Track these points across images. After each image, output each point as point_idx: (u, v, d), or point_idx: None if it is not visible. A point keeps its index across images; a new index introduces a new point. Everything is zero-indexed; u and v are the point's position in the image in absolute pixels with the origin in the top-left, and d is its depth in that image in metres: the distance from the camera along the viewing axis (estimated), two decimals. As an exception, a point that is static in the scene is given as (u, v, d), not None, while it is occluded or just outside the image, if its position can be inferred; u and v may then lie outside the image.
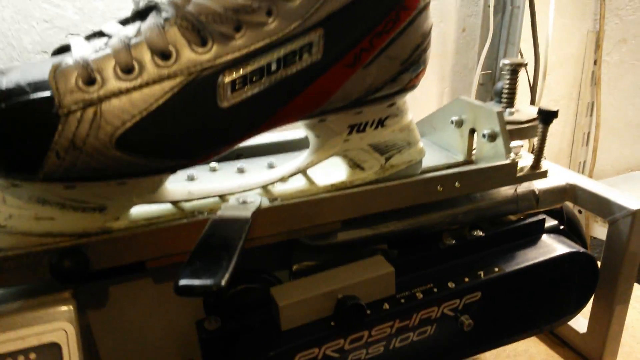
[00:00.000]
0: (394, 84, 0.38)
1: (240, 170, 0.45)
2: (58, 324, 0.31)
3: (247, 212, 0.34)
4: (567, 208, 0.53)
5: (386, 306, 0.40)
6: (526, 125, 0.48)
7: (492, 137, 0.46)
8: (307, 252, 0.43)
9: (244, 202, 0.36)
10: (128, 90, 0.29)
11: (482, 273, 0.44)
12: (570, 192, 0.52)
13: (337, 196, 0.39)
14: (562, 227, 0.50)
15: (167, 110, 0.30)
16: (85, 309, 0.36)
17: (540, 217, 0.49)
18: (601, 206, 0.50)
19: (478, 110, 0.47)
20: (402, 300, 0.41)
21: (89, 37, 0.32)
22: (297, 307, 0.37)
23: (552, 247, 0.47)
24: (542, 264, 0.45)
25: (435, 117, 0.54)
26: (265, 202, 0.38)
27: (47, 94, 0.28)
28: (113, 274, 0.36)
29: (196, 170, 0.45)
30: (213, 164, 0.47)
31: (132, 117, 0.29)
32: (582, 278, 0.48)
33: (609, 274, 0.50)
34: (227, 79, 0.30)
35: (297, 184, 0.42)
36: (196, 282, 0.25)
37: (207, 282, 0.25)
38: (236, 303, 0.41)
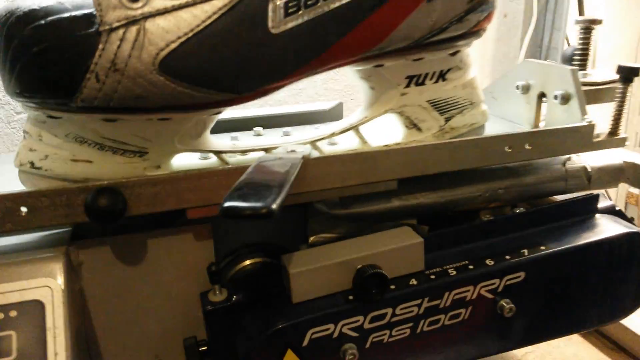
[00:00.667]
0: (460, 25, 0.34)
1: (286, 134, 0.43)
2: (42, 281, 0.28)
3: (296, 157, 0.30)
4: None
5: (413, 282, 0.35)
6: (604, 86, 0.43)
7: (566, 99, 0.41)
8: (324, 223, 0.38)
9: (293, 151, 0.33)
10: (174, 9, 0.26)
11: (526, 251, 0.38)
12: (627, 171, 0.46)
13: (394, 151, 0.35)
14: (617, 208, 0.43)
15: (214, 32, 0.27)
16: (79, 270, 0.32)
17: (594, 193, 0.42)
18: (664, 187, 0.44)
19: (549, 71, 0.43)
20: (432, 277, 0.36)
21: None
22: (311, 276, 0.33)
23: (607, 227, 0.40)
24: (594, 244, 0.39)
25: (496, 86, 0.49)
26: (315, 154, 0.35)
27: (88, 10, 0.26)
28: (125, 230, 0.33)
29: (240, 133, 0.43)
30: (257, 129, 0.44)
31: (177, 38, 0.26)
32: (642, 266, 0.41)
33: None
34: (280, 0, 0.28)
35: (349, 143, 0.39)
36: (244, 204, 0.21)
37: (256, 204, 0.21)
38: (245, 279, 0.37)
